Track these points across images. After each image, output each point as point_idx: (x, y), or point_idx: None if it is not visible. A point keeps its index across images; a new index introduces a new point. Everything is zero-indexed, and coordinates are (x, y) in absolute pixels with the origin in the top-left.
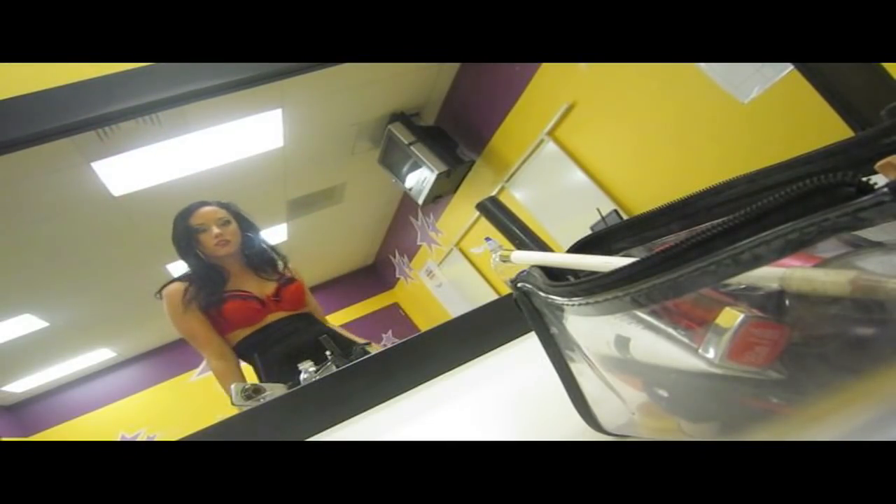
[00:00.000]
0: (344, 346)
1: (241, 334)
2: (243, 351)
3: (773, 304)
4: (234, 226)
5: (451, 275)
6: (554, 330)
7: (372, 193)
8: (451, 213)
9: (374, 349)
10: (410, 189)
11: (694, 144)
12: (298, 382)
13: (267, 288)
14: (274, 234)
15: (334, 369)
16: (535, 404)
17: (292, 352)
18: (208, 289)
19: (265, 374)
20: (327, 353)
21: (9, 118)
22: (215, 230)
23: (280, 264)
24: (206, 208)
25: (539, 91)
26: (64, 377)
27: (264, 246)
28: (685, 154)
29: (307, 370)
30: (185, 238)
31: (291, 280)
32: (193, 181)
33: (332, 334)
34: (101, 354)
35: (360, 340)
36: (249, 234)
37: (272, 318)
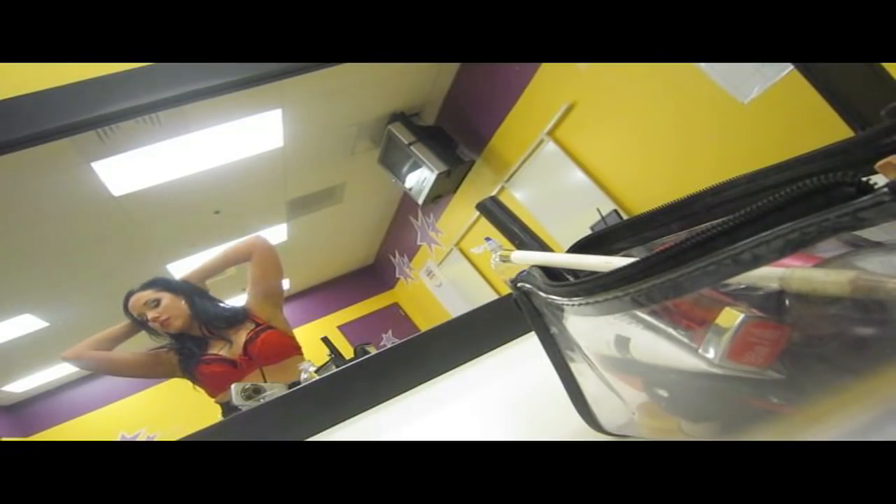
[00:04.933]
0: None
1: (224, 397)
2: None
3: (773, 304)
4: (168, 299)
5: (451, 275)
6: (554, 330)
7: (372, 193)
8: (451, 213)
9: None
10: (410, 189)
11: (694, 144)
12: None
13: (236, 347)
14: (274, 234)
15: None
16: (535, 404)
17: None
18: (185, 354)
19: None
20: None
21: (9, 118)
22: (150, 315)
23: (240, 314)
24: (133, 298)
25: (539, 91)
26: (64, 377)
27: (213, 304)
28: (685, 154)
29: (307, 370)
30: (142, 326)
31: (258, 332)
32: (193, 181)
33: None
34: None
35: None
36: (195, 297)
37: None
